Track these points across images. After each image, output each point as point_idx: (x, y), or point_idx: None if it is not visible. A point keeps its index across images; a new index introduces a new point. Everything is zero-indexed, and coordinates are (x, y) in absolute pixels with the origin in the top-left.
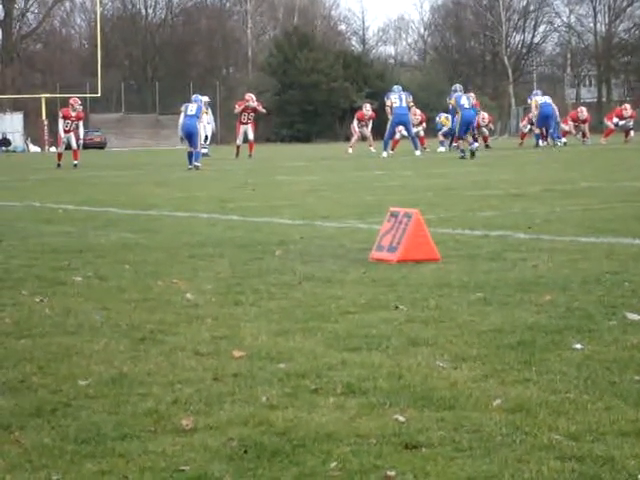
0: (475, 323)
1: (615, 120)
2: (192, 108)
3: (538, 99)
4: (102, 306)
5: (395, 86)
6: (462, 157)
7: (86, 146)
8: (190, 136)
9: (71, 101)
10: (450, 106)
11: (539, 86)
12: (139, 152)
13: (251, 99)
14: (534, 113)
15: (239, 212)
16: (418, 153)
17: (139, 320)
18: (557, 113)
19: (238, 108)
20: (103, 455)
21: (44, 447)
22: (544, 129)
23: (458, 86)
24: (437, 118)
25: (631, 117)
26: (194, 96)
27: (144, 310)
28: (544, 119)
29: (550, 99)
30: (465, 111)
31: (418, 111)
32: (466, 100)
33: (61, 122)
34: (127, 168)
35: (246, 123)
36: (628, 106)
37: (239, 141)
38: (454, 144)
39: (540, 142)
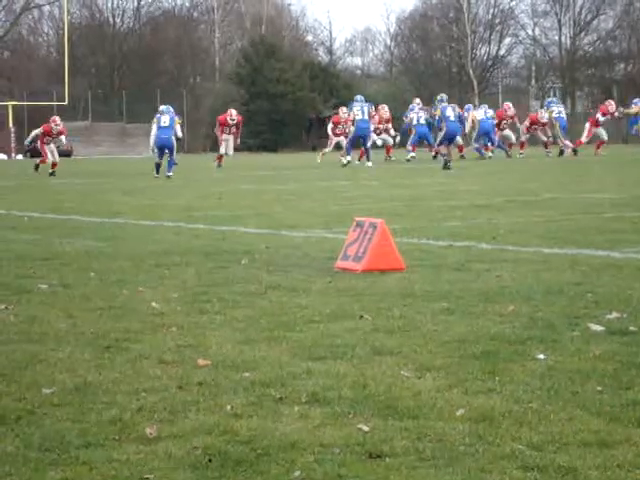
0: (439, 333)
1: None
2: (165, 120)
3: (477, 114)
4: (67, 314)
5: (358, 96)
6: (447, 165)
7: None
8: (167, 149)
9: (51, 120)
10: (436, 117)
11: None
12: (106, 160)
13: (230, 115)
14: (469, 127)
15: (205, 221)
16: (369, 164)
17: (104, 328)
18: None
19: (219, 127)
20: (67, 463)
21: (8, 455)
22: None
23: (444, 96)
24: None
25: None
26: (164, 107)
27: (109, 318)
28: (484, 135)
29: (490, 112)
30: (450, 124)
31: (382, 116)
32: (451, 112)
33: (40, 135)
34: (93, 176)
35: (229, 133)
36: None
37: (223, 150)
38: (432, 153)
39: (484, 152)
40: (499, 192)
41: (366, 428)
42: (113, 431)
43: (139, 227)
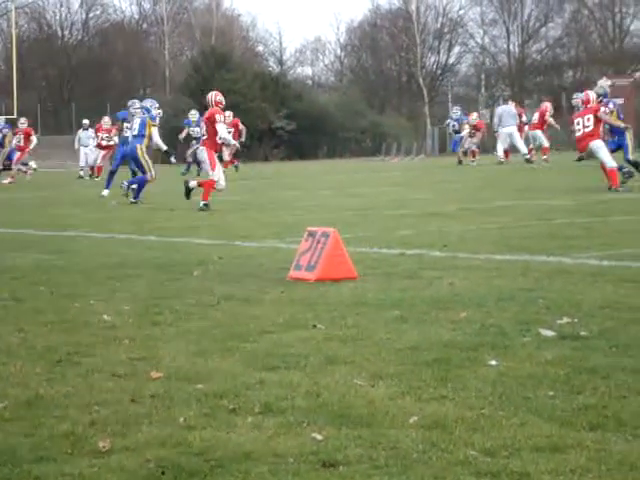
0: (392, 341)
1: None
2: (133, 125)
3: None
4: (18, 328)
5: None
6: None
7: (3, 168)
8: (133, 160)
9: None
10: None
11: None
12: (56, 173)
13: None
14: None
15: (157, 233)
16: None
17: (55, 342)
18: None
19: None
20: (19, 478)
21: None
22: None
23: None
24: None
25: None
26: (132, 103)
27: (61, 332)
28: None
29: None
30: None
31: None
32: None
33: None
34: (44, 189)
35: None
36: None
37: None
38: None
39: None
40: (451, 200)
41: (320, 437)
42: (66, 445)
43: (90, 240)
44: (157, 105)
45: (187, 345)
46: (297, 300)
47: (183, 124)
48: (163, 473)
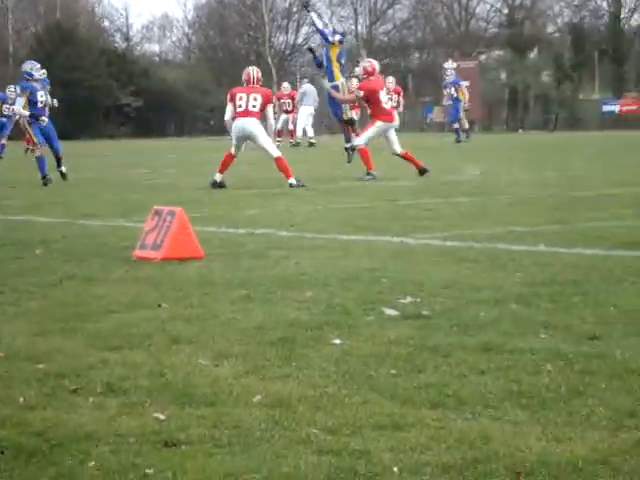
0: (238, 320)
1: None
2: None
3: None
4: None
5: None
6: None
7: None
8: None
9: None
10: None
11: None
12: None
13: None
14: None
15: None
16: None
17: None
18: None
19: None
20: None
21: None
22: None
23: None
24: None
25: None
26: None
27: None
28: None
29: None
30: None
31: None
32: None
33: None
34: None
35: None
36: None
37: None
38: None
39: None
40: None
41: (162, 417)
42: None
43: None
44: (38, 66)
45: (28, 325)
46: (142, 279)
47: None
48: (2, 452)
